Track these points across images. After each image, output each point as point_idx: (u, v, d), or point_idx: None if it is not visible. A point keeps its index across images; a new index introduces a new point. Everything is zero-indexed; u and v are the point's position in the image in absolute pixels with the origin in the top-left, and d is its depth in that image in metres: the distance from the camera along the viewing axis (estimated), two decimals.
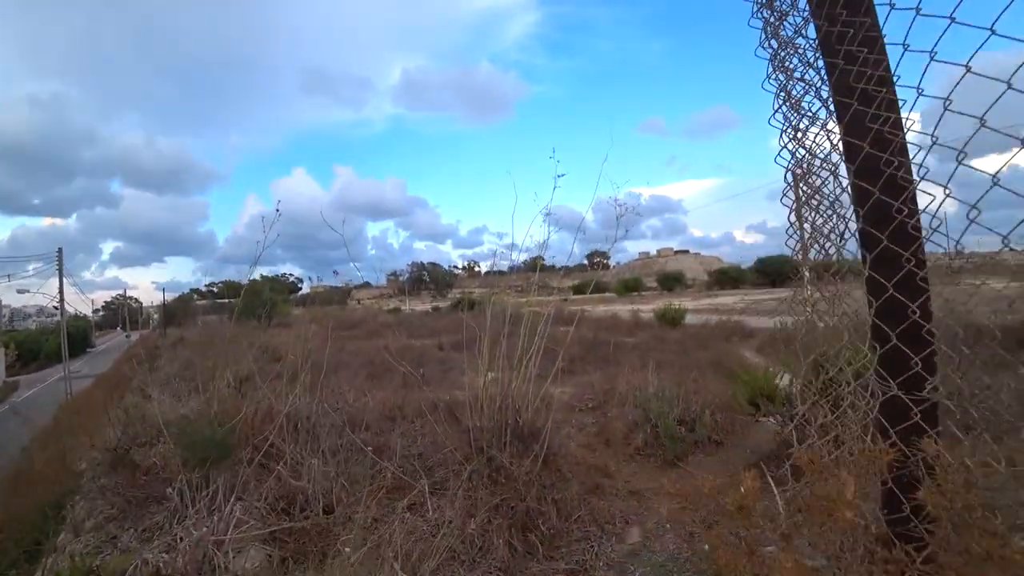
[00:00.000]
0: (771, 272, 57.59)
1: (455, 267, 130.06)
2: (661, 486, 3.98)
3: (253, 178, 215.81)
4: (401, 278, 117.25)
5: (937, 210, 1.63)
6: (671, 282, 68.20)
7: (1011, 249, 1.46)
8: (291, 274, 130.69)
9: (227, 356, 5.49)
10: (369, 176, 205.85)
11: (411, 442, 4.52)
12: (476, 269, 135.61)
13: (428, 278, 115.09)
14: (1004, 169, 1.41)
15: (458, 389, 8.08)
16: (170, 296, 60.90)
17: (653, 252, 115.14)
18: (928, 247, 1.73)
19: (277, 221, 4.29)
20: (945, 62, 1.44)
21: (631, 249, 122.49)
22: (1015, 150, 1.35)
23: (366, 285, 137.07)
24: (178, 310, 47.14)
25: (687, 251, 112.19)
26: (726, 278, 64.45)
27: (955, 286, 1.82)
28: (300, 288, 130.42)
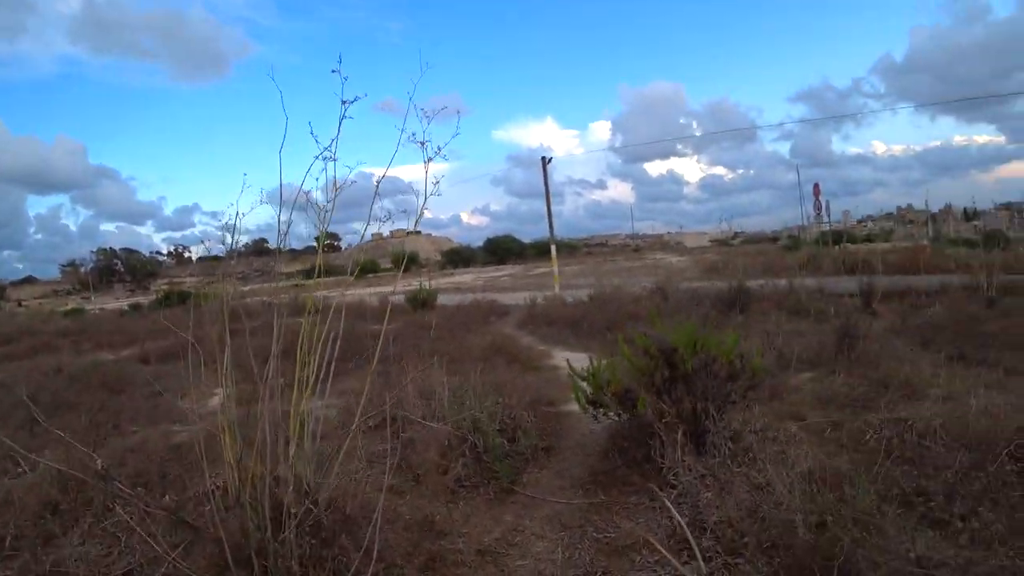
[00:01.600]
0: (498, 251, 63.09)
1: (158, 253, 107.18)
2: (513, 530, 3.03)
3: None
4: (83, 269, 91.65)
5: None
6: (407, 262, 68.48)
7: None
8: None
9: None
10: (29, 133, 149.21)
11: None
12: (187, 255, 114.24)
13: (123, 267, 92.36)
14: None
15: (177, 421, 5.75)
16: None
17: (386, 233, 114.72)
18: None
19: None
20: None
21: (361, 231, 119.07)
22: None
23: (29, 280, 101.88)
24: None
25: (419, 232, 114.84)
26: (459, 258, 67.97)
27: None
28: None
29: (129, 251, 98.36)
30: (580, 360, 7.90)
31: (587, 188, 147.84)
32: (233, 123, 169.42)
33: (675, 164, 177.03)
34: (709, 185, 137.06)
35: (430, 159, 2.76)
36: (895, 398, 4.68)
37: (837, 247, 21.62)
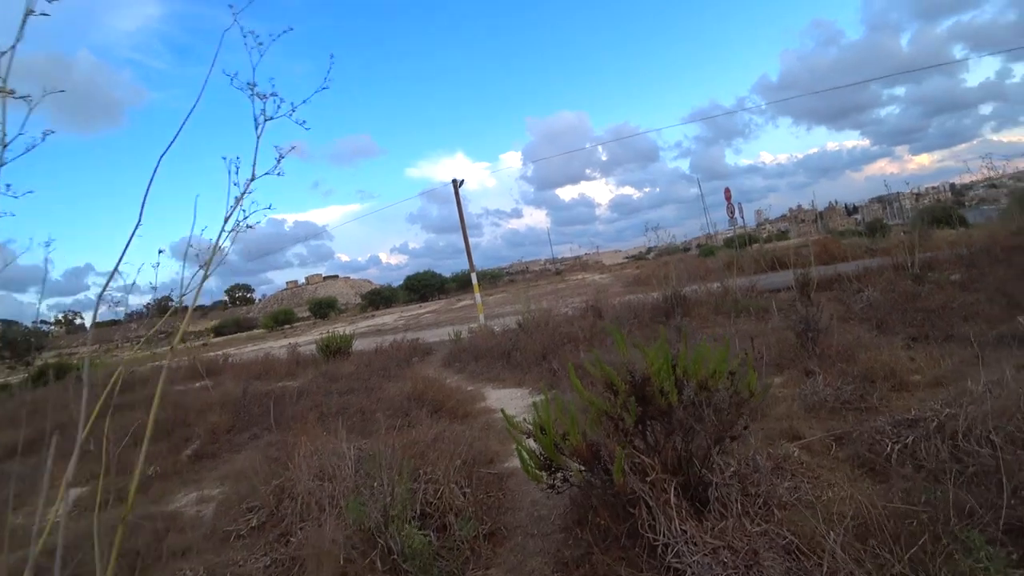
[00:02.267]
0: (419, 288, 61.15)
1: (43, 323, 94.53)
2: None
3: None
4: None
5: None
6: (325, 309, 64.95)
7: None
8: None
9: None
10: None
11: None
12: (79, 322, 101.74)
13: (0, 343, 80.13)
14: None
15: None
16: None
17: (302, 280, 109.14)
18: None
19: None
20: None
21: (278, 280, 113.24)
22: None
23: None
24: None
25: (336, 276, 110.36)
26: (379, 298, 65.23)
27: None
28: None
29: (7, 323, 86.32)
30: (517, 399, 6.87)
31: (503, 217, 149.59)
32: (130, 174, 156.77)
33: (586, 188, 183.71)
34: (619, 205, 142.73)
35: None
36: (885, 393, 4.02)
37: (752, 247, 22.23)
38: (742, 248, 20.21)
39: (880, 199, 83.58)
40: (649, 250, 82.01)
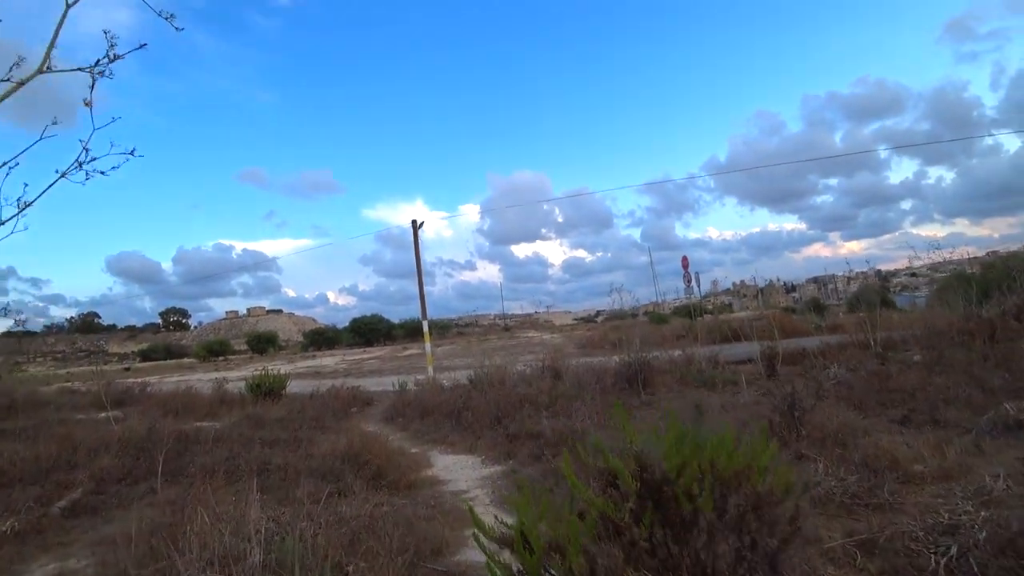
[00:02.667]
0: (365, 331, 58.99)
1: None
2: None
3: None
4: None
5: None
6: (263, 344, 61.49)
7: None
8: None
9: None
10: None
11: None
12: None
13: None
14: None
15: None
16: None
17: (243, 311, 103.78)
18: None
19: None
20: None
21: (218, 308, 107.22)
22: None
23: None
24: None
25: (280, 310, 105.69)
26: (322, 339, 62.50)
27: None
28: None
29: None
30: (468, 468, 6.00)
31: (457, 268, 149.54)
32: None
33: (540, 247, 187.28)
34: (572, 266, 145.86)
35: None
36: (894, 486, 3.55)
37: (705, 317, 22.46)
38: (698, 317, 20.38)
39: (816, 279, 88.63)
40: (598, 313, 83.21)
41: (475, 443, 6.22)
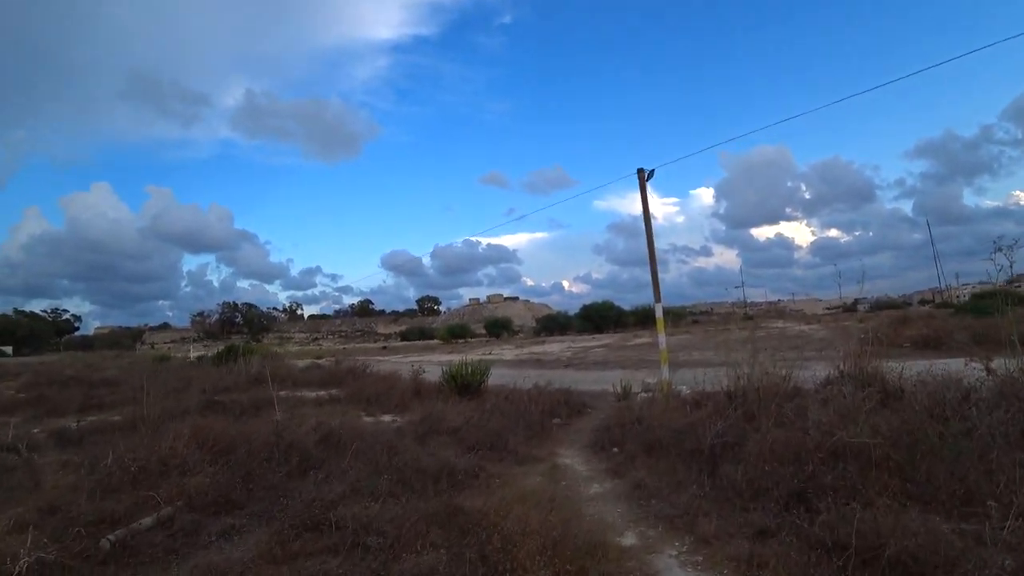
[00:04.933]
0: (595, 318, 57.80)
1: (275, 309, 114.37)
2: None
3: (38, 188, 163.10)
4: (209, 320, 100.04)
5: None
6: (498, 328, 65.24)
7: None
8: (66, 310, 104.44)
9: None
10: (192, 202, 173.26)
11: None
12: (299, 312, 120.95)
13: (241, 320, 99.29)
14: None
15: None
16: None
17: (484, 298, 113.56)
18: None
19: None
20: None
21: (466, 296, 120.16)
22: None
23: (164, 327, 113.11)
24: None
25: (517, 298, 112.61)
26: (554, 324, 63.51)
27: None
28: (76, 328, 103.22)
29: (249, 306, 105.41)
30: None
31: (691, 255, 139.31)
32: (359, 196, 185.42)
33: (784, 228, 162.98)
34: (822, 248, 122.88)
35: None
36: None
37: None
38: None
39: None
40: (856, 301, 67.02)
41: (756, 547, 3.08)
